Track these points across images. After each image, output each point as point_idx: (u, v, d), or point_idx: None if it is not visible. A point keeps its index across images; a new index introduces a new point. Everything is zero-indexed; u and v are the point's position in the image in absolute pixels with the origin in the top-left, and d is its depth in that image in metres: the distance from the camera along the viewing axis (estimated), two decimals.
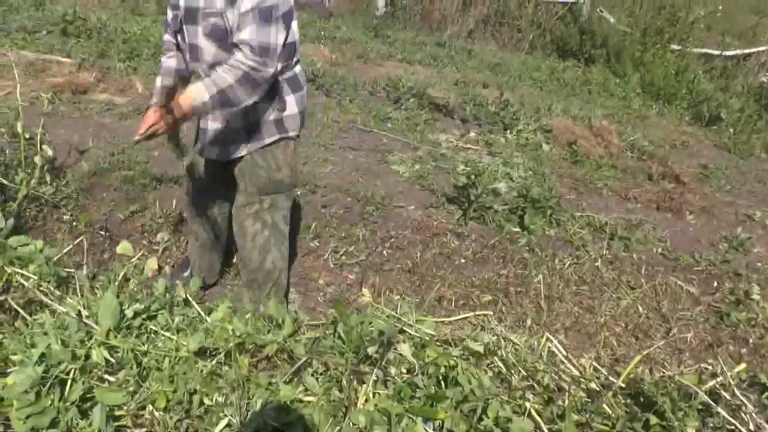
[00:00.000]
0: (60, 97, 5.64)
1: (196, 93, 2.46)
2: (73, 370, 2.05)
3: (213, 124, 2.78)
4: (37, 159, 3.63)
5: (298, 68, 2.83)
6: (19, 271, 2.52)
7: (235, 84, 2.45)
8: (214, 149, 2.83)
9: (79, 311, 2.35)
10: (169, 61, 2.90)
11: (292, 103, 2.79)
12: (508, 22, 12.07)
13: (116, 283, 2.72)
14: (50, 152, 3.77)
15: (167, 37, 2.89)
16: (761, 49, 10.66)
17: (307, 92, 2.93)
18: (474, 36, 11.92)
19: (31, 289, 2.46)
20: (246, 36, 2.42)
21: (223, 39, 2.53)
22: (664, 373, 2.52)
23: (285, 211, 3.00)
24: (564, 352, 2.64)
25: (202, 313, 2.59)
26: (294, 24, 2.67)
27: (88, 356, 2.14)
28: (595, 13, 11.33)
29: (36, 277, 2.52)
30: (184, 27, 2.67)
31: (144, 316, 2.43)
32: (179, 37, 2.77)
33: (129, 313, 2.37)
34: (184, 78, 2.87)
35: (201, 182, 3.10)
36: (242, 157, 2.82)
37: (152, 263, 3.48)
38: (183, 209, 3.31)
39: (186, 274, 3.42)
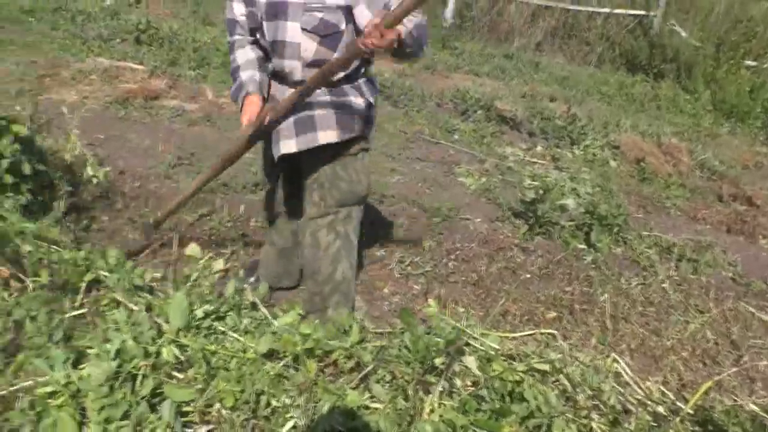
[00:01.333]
0: (132, 103, 5.82)
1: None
2: (144, 367, 2.11)
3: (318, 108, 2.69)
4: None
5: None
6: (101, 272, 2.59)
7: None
8: (291, 141, 2.70)
9: (151, 310, 2.41)
10: (252, 53, 2.79)
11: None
12: (576, 34, 11.96)
13: (186, 284, 2.79)
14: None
15: (237, 36, 2.82)
16: None
17: None
18: (542, 48, 11.85)
19: (108, 287, 2.53)
20: None
21: (329, 34, 2.53)
22: (735, 401, 2.45)
23: (357, 222, 2.95)
24: (630, 374, 2.60)
25: (269, 316, 2.62)
26: None
27: (158, 353, 2.19)
28: (667, 26, 11.13)
29: (113, 277, 2.58)
30: (266, 24, 2.62)
31: (213, 317, 2.48)
32: (258, 35, 2.74)
33: (199, 313, 2.40)
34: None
35: (286, 190, 3.13)
36: (321, 159, 2.76)
37: (219, 266, 3.54)
38: (264, 216, 3.34)
39: (253, 279, 3.46)
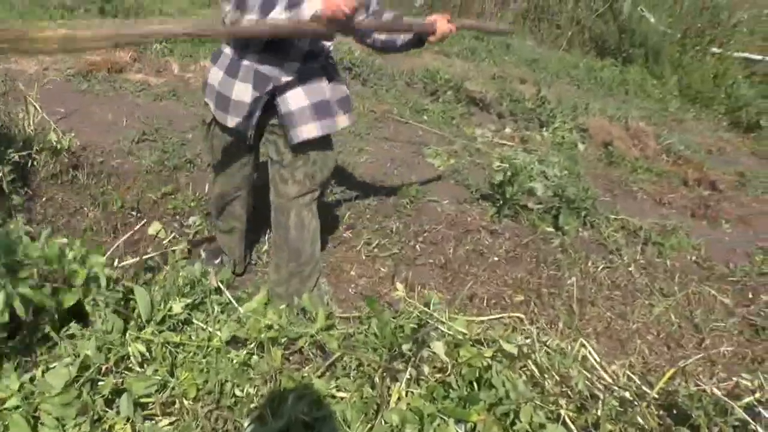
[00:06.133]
0: (96, 76, 5.69)
1: None
2: (105, 368, 2.08)
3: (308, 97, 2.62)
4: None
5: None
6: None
7: None
8: (312, 125, 2.62)
9: (121, 304, 2.33)
10: None
11: None
12: (547, 17, 11.93)
13: (162, 274, 2.75)
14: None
15: None
16: None
17: None
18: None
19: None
20: None
21: None
22: (699, 385, 2.47)
23: None
24: (598, 359, 2.60)
25: (234, 302, 2.56)
26: None
27: (122, 352, 2.15)
28: (636, 11, 11.14)
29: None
30: None
31: (190, 308, 2.41)
32: None
33: (177, 308, 2.34)
34: None
35: (242, 171, 3.04)
36: (311, 141, 2.67)
37: (181, 247, 3.47)
38: (216, 204, 3.21)
39: (218, 261, 3.40)
